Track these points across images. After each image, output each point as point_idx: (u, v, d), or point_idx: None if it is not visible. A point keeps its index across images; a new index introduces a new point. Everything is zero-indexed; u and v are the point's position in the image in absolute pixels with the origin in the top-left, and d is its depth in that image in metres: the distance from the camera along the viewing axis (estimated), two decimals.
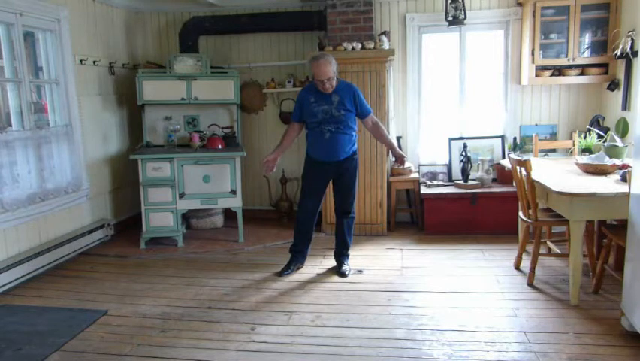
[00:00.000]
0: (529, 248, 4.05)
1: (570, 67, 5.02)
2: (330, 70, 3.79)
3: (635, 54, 4.47)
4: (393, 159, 4.25)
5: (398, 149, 4.28)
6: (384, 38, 5.01)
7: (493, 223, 5.01)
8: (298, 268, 4.24)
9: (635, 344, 2.87)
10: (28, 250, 4.19)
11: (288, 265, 4.20)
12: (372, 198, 5.17)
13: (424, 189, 5.21)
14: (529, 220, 3.75)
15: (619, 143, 4.03)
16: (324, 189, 4.17)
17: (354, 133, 4.05)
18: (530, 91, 5.38)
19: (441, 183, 5.39)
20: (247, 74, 5.79)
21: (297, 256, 4.24)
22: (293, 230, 4.29)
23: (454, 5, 4.93)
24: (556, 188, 3.30)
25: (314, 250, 4.59)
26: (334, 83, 3.87)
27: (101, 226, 5.10)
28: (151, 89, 5.19)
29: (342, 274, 4.09)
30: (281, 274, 4.13)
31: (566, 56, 4.92)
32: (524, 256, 4.09)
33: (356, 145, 4.12)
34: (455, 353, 2.86)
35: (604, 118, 5.07)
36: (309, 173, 4.12)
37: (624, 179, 3.32)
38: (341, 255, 4.25)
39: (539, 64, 5.02)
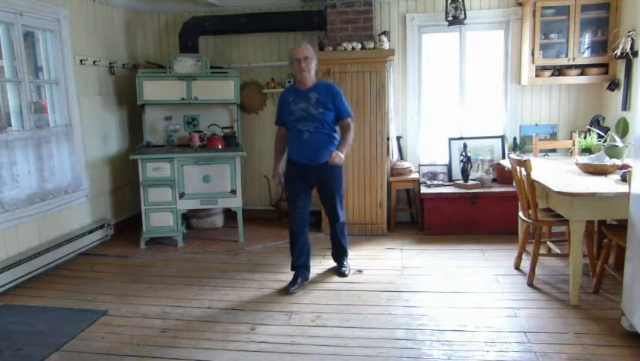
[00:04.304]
0: (529, 248, 4.05)
1: (570, 67, 5.02)
2: (308, 51, 3.76)
3: (635, 54, 4.47)
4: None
5: (342, 152, 3.75)
6: (384, 38, 5.01)
7: (493, 223, 5.01)
8: (305, 282, 3.95)
9: (635, 344, 2.87)
10: (28, 250, 4.19)
11: (295, 280, 3.89)
12: (372, 198, 5.17)
13: (424, 189, 5.20)
14: (529, 220, 3.75)
15: (619, 143, 4.03)
16: (308, 194, 3.97)
17: (335, 135, 3.88)
18: (530, 91, 5.38)
19: (441, 183, 5.39)
20: (247, 74, 5.79)
21: (302, 270, 3.96)
22: None
23: (454, 5, 4.93)
24: (556, 188, 3.30)
25: (314, 250, 4.59)
26: (312, 68, 3.77)
27: (101, 226, 5.10)
28: (151, 89, 5.19)
29: (342, 275, 4.08)
30: (288, 290, 3.81)
31: (566, 56, 4.92)
32: (524, 256, 4.09)
33: None
34: (455, 353, 2.86)
35: (604, 118, 5.07)
36: (292, 179, 3.93)
37: (624, 179, 3.32)
38: (339, 255, 4.22)
39: (539, 64, 5.02)
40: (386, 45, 5.00)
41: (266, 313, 3.44)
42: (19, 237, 4.14)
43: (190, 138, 5.19)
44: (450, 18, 4.98)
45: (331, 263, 4.34)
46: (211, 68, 5.35)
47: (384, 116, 5.05)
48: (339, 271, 4.14)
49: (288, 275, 4.02)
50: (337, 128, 3.92)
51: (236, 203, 5.07)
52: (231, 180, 5.03)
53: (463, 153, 5.19)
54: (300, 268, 3.96)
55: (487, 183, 5.18)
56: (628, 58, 4.56)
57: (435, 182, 5.40)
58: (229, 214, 5.67)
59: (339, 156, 3.72)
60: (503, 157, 5.34)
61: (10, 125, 4.16)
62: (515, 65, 5.32)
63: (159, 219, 4.98)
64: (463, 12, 4.93)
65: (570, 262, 3.44)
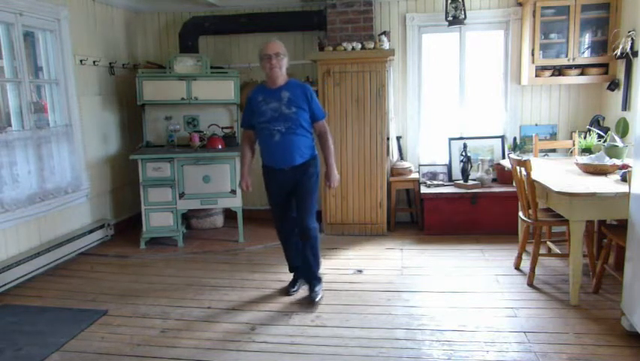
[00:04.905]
0: (529, 248, 4.04)
1: (570, 67, 5.02)
2: (280, 47, 3.46)
3: (635, 54, 4.47)
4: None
5: (334, 170, 3.66)
6: (384, 38, 5.01)
7: (493, 223, 5.01)
8: (304, 283, 3.85)
9: (635, 344, 2.87)
10: (28, 250, 4.19)
11: (294, 281, 3.86)
12: (372, 198, 5.17)
13: (424, 189, 5.20)
14: (529, 220, 3.75)
15: (619, 143, 4.03)
16: (289, 198, 3.68)
17: (309, 135, 3.60)
18: (530, 91, 5.38)
19: (441, 183, 5.39)
20: (247, 74, 5.79)
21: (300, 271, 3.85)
22: None
23: (454, 5, 4.93)
24: (556, 188, 3.30)
25: None
26: (283, 64, 3.48)
27: (101, 226, 5.11)
28: (151, 89, 5.19)
29: (312, 301, 3.59)
30: (288, 291, 3.78)
31: (566, 56, 4.92)
32: (524, 256, 4.09)
33: (315, 150, 3.66)
34: (455, 353, 2.86)
35: (604, 118, 5.07)
36: (269, 185, 3.69)
37: (624, 179, 3.32)
38: (308, 278, 3.72)
39: (539, 64, 5.02)
40: (386, 45, 5.00)
41: (266, 313, 3.44)
42: (19, 237, 4.14)
43: (190, 138, 5.18)
44: (450, 18, 4.98)
45: (332, 263, 4.34)
46: (211, 68, 5.34)
47: (384, 116, 5.04)
48: (309, 296, 3.66)
49: (288, 275, 4.01)
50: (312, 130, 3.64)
51: (236, 203, 5.07)
52: (231, 180, 5.03)
53: (463, 153, 5.19)
54: (299, 269, 3.87)
55: (487, 183, 5.18)
56: (628, 58, 4.56)
57: (435, 182, 5.40)
58: (229, 214, 5.67)
59: (335, 178, 3.63)
60: (503, 157, 5.34)
61: (10, 125, 4.16)
62: (515, 65, 5.32)
63: (159, 219, 4.98)
64: (463, 12, 4.94)
65: (570, 262, 3.44)
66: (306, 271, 3.72)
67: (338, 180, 3.69)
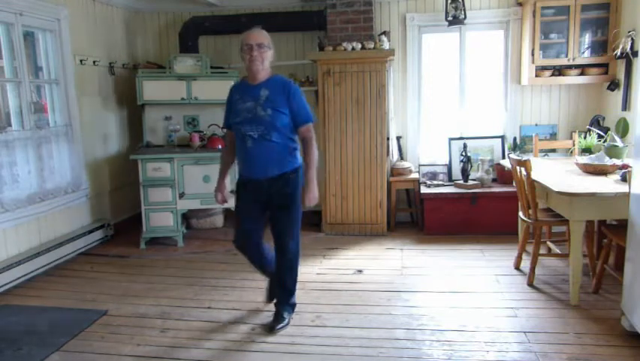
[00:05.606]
0: (529, 248, 4.04)
1: (570, 67, 5.02)
2: (264, 38, 3.00)
3: (635, 54, 4.48)
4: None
5: (314, 186, 3.07)
6: (384, 38, 5.00)
7: (493, 223, 5.01)
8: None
9: (635, 344, 2.87)
10: (28, 250, 4.19)
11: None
12: (372, 198, 5.17)
13: (424, 189, 5.20)
14: (529, 220, 3.75)
15: (619, 143, 4.03)
16: (258, 214, 3.19)
17: (291, 142, 3.09)
18: (530, 91, 5.38)
19: (441, 183, 5.39)
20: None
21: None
22: None
23: (454, 5, 4.94)
24: (556, 188, 3.30)
25: (314, 249, 4.60)
26: (265, 58, 3.01)
27: (101, 226, 5.11)
28: (151, 89, 5.18)
29: (271, 328, 3.18)
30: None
31: (566, 56, 4.92)
32: (524, 256, 4.09)
33: (298, 159, 3.14)
34: (455, 353, 2.86)
35: (604, 118, 5.07)
36: (240, 195, 3.21)
37: (624, 179, 3.32)
38: (281, 301, 3.32)
39: (539, 64, 5.02)
40: (386, 45, 5.00)
41: (266, 313, 3.44)
42: (19, 237, 4.14)
43: (190, 138, 5.19)
44: (450, 18, 4.98)
45: (331, 263, 4.34)
46: (211, 68, 5.34)
47: (384, 116, 5.04)
48: (272, 321, 3.24)
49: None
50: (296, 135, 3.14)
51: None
52: (231, 180, 5.02)
53: (463, 153, 5.19)
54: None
55: (487, 183, 5.18)
56: (628, 58, 4.56)
57: (435, 182, 5.40)
58: (229, 214, 5.67)
59: (313, 196, 3.06)
60: (503, 157, 5.34)
61: (10, 125, 4.16)
62: (515, 65, 5.32)
63: (159, 219, 4.98)
64: (463, 12, 4.94)
65: (570, 262, 3.44)
66: (279, 289, 3.30)
67: (316, 198, 3.08)
